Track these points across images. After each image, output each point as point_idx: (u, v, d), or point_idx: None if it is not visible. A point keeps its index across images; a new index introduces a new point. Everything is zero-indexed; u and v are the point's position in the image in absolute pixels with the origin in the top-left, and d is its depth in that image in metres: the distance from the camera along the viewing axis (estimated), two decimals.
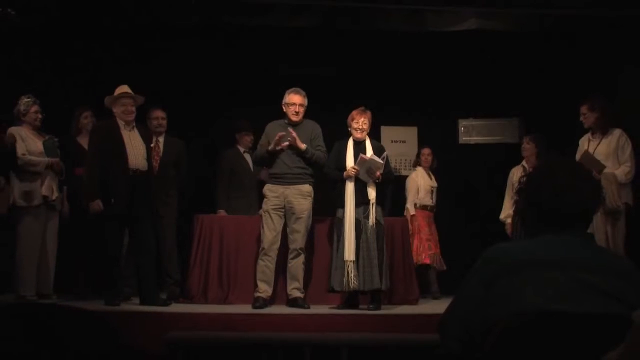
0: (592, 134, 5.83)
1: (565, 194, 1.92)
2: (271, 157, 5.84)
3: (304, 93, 5.92)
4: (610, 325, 1.71)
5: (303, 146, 5.76)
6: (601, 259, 1.87)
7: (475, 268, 1.98)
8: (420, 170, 7.34)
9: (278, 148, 5.75)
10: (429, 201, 7.23)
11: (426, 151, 7.36)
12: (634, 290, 1.81)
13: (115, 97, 5.64)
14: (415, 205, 7.20)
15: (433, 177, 7.35)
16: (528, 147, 6.62)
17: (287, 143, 5.74)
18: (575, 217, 1.93)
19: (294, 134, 5.73)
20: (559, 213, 1.93)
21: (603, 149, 5.66)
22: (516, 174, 6.55)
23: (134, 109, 5.65)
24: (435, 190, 7.29)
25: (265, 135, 5.96)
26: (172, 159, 6.45)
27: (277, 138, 5.72)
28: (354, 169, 5.66)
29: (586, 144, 5.82)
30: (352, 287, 5.56)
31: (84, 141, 6.15)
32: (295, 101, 5.86)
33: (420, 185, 7.26)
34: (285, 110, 5.93)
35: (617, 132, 5.70)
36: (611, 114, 5.76)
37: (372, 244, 5.59)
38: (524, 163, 6.66)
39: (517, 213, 6.28)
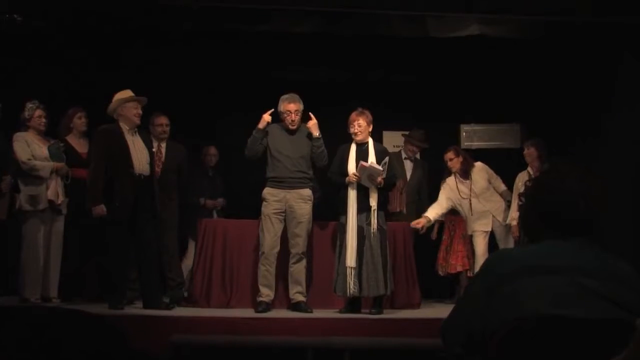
0: (456, 177, 6.83)
1: (574, 200, 1.90)
2: (259, 140, 5.86)
3: (298, 98, 5.91)
4: (610, 330, 1.70)
5: (317, 133, 5.84)
6: (603, 265, 1.86)
7: (478, 273, 1.98)
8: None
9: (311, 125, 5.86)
10: None
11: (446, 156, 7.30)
12: (636, 296, 1.80)
13: (124, 99, 5.65)
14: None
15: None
16: (529, 152, 6.65)
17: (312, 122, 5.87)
18: (581, 223, 1.91)
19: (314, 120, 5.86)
20: (565, 219, 1.91)
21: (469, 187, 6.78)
22: (521, 179, 6.58)
23: (141, 111, 5.69)
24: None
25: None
26: (174, 164, 6.47)
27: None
28: (355, 175, 5.65)
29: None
30: (352, 292, 5.56)
31: (74, 142, 6.18)
32: (290, 109, 5.86)
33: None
34: (281, 118, 5.93)
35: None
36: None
37: (376, 249, 5.58)
38: (528, 168, 6.68)
39: (520, 217, 6.32)
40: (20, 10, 6.00)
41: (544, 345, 1.70)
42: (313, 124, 5.87)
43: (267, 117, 5.87)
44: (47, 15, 6.12)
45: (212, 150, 7.27)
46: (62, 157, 5.91)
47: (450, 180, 6.89)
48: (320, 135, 5.85)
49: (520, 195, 6.36)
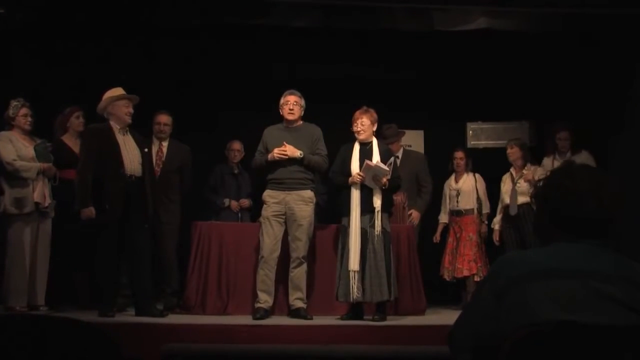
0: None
1: (584, 199, 1.90)
2: (269, 165, 5.86)
3: (298, 93, 5.96)
4: (627, 337, 1.69)
5: (297, 153, 5.78)
6: (619, 268, 1.85)
7: (486, 277, 1.98)
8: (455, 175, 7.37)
9: (277, 158, 5.77)
10: (454, 205, 7.25)
11: (457, 154, 7.35)
12: None
13: (115, 97, 5.63)
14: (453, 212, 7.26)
15: (459, 180, 7.28)
16: (512, 152, 6.90)
17: (284, 156, 5.76)
18: (594, 224, 1.90)
19: (287, 150, 5.74)
20: (576, 218, 1.91)
21: None
22: (505, 182, 6.90)
23: (132, 110, 5.68)
24: (458, 192, 7.22)
25: (262, 140, 5.99)
26: (175, 164, 6.43)
27: (274, 153, 5.76)
28: (359, 175, 5.63)
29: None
30: (355, 297, 5.55)
31: (71, 142, 6.17)
32: (289, 99, 5.91)
33: (445, 190, 7.34)
34: (281, 113, 5.95)
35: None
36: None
37: (379, 253, 5.56)
38: (511, 169, 6.87)
39: (533, 219, 6.33)
40: (4, 2, 5.99)
41: (559, 353, 1.70)
42: (290, 151, 5.75)
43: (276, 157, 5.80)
44: (36, 8, 6.09)
45: (236, 145, 7.07)
46: (49, 157, 5.89)
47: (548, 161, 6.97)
48: (303, 154, 5.79)
49: (530, 196, 6.39)
